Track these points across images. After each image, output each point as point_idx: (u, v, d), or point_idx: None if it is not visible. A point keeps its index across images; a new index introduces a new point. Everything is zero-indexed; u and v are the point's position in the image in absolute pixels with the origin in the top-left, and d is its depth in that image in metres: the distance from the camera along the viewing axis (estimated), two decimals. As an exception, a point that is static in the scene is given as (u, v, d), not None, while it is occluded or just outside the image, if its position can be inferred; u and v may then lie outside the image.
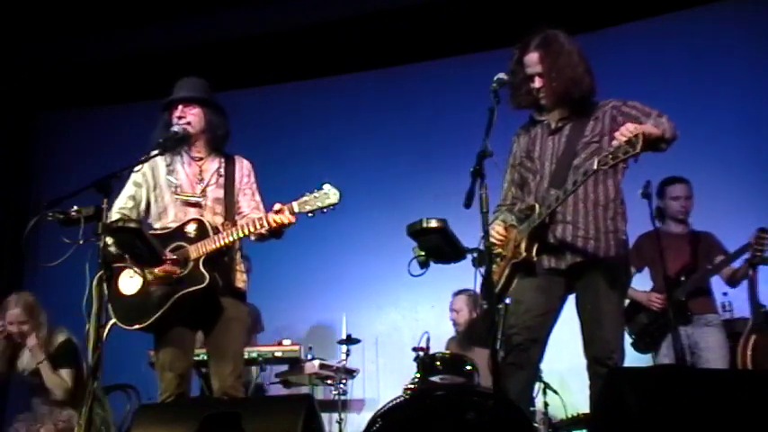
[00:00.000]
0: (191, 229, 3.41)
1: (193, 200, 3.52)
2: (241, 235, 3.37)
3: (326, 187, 3.33)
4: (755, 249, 4.35)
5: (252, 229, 3.35)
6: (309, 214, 3.34)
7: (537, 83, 3.19)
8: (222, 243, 3.36)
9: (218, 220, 3.51)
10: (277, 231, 3.39)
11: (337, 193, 3.32)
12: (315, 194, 3.33)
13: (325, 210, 3.33)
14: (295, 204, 3.34)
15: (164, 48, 6.83)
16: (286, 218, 3.32)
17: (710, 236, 4.75)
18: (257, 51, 6.81)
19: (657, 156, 3.06)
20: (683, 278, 4.57)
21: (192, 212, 3.49)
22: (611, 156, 2.83)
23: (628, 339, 4.50)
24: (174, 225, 3.46)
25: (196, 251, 3.35)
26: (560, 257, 3.13)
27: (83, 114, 7.41)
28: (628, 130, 2.82)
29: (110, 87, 7.12)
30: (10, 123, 7.32)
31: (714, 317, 4.61)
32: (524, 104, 3.30)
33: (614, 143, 2.84)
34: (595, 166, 2.89)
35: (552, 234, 3.13)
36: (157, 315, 3.34)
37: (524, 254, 3.13)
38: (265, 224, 3.34)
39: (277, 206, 3.35)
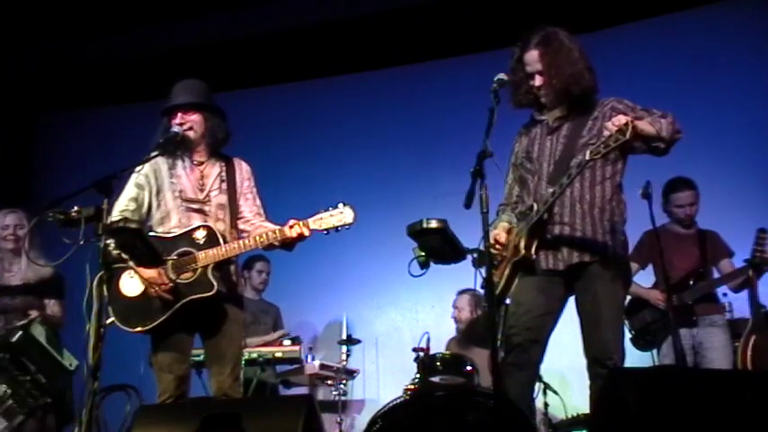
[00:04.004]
0: (200, 235, 3.40)
1: (197, 205, 3.52)
2: (254, 245, 3.37)
3: (342, 206, 3.35)
4: (756, 250, 4.37)
5: (265, 241, 3.36)
6: (325, 232, 3.36)
7: (537, 81, 3.18)
8: (235, 252, 3.37)
9: (221, 226, 3.49)
10: (289, 244, 3.41)
11: (352, 213, 3.34)
12: (330, 213, 3.35)
13: (339, 229, 3.35)
14: (311, 222, 3.35)
15: (164, 48, 6.83)
16: (303, 233, 3.33)
17: (716, 236, 4.75)
18: (257, 51, 6.81)
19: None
20: (691, 282, 4.58)
21: (197, 218, 3.49)
22: (602, 144, 2.86)
23: (627, 335, 4.49)
24: (177, 230, 3.45)
25: (205, 258, 3.35)
26: (558, 258, 3.12)
27: (84, 115, 7.40)
28: (619, 120, 2.84)
29: (111, 88, 7.12)
30: (11, 123, 7.32)
31: (719, 317, 4.62)
32: (524, 103, 3.29)
33: (605, 132, 2.87)
34: (588, 157, 2.91)
35: (550, 234, 3.13)
36: (163, 319, 3.34)
37: (523, 251, 3.12)
38: (279, 237, 3.35)
39: (292, 222, 3.36)
